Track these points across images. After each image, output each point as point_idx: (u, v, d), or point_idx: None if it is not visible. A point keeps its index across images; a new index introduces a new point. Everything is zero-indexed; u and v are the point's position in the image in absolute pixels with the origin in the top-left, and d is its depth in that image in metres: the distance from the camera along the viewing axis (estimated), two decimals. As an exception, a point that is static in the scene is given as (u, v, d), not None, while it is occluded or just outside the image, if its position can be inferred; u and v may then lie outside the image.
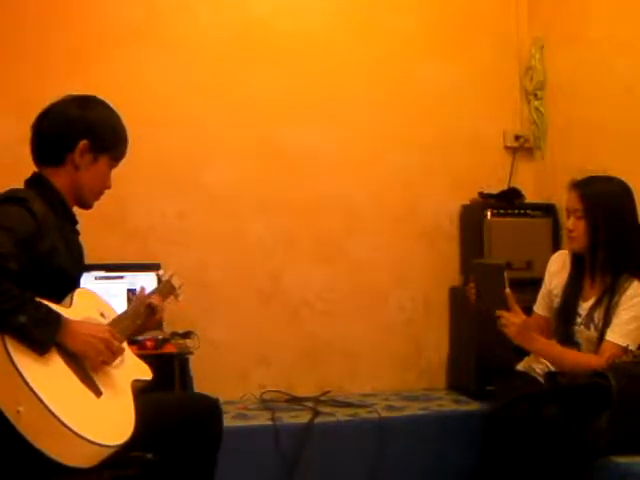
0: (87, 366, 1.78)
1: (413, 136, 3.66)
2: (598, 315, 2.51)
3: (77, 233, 2.06)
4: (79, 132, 1.95)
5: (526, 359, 2.71)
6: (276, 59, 3.50)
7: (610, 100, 3.23)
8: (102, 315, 1.98)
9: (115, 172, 2.10)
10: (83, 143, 1.95)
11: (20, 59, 3.19)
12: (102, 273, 3.05)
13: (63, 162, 1.96)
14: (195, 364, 3.03)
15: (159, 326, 2.89)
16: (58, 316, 1.73)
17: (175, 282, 2.33)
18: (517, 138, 3.77)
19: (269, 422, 2.99)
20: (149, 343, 2.79)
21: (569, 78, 3.54)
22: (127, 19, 3.34)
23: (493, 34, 3.80)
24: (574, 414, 2.30)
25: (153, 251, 3.26)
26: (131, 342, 2.12)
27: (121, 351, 1.89)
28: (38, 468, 1.62)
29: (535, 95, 3.75)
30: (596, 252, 2.52)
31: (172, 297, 2.34)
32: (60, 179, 1.97)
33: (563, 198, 2.70)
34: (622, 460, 2.26)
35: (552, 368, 2.57)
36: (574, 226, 2.55)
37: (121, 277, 3.07)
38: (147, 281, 3.00)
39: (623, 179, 2.57)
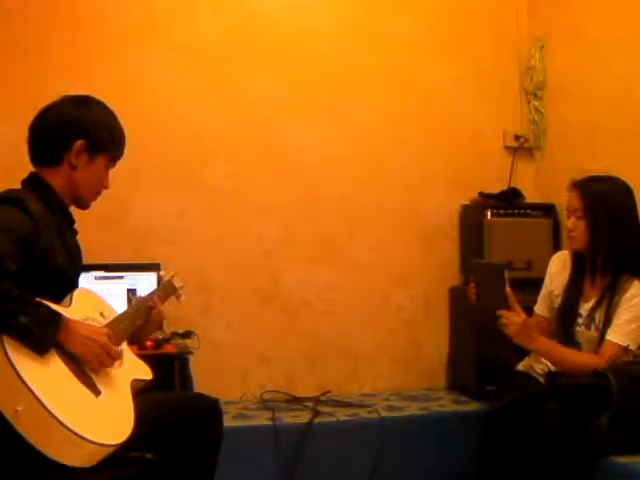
0: (86, 366, 1.78)
1: (413, 136, 3.66)
2: (599, 315, 2.51)
3: (75, 233, 2.06)
4: (75, 132, 1.95)
5: (526, 359, 2.71)
6: (276, 59, 3.50)
7: (610, 100, 3.23)
8: (102, 315, 1.98)
9: (115, 172, 2.09)
10: (79, 143, 1.95)
11: (20, 59, 3.19)
12: (102, 273, 3.04)
13: (60, 162, 1.96)
14: (195, 364, 3.03)
15: (159, 327, 2.89)
16: (58, 316, 1.72)
17: (176, 283, 2.33)
18: (517, 138, 3.77)
19: (269, 422, 2.98)
20: (149, 343, 2.79)
21: (569, 78, 3.54)
22: (127, 19, 3.34)
23: (493, 34, 3.80)
24: (574, 414, 2.30)
25: (153, 251, 3.26)
26: (131, 342, 2.12)
27: (119, 355, 1.88)
28: (37, 468, 1.62)
29: (535, 95, 3.75)
30: (596, 252, 2.52)
31: (173, 297, 2.34)
32: (57, 179, 1.96)
33: (563, 198, 2.70)
34: (623, 460, 2.27)
35: (552, 368, 2.57)
36: (574, 226, 2.55)
37: (121, 277, 3.07)
38: (147, 281, 3.01)
39: (623, 179, 2.57)
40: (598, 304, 2.52)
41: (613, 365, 2.36)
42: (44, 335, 1.67)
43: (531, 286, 2.80)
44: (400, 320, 3.65)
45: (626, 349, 2.42)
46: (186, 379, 2.95)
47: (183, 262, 3.20)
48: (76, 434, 1.60)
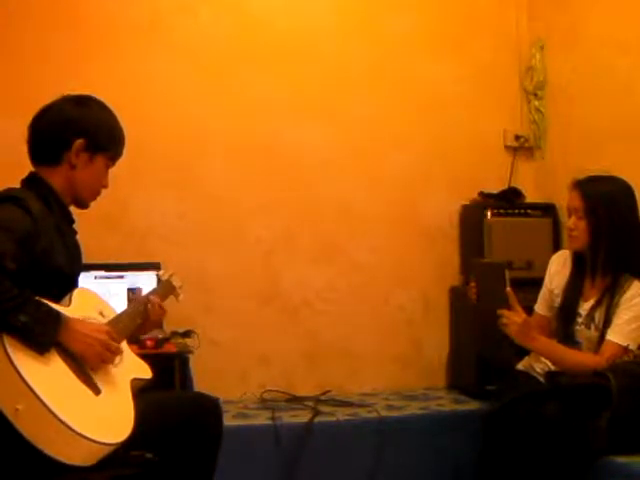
0: (86, 364, 1.78)
1: (413, 136, 3.66)
2: (599, 315, 2.51)
3: (75, 232, 2.06)
4: (75, 131, 1.95)
5: (526, 358, 2.71)
6: (276, 59, 3.50)
7: (610, 100, 3.23)
8: (101, 314, 1.98)
9: (115, 172, 2.10)
10: (79, 142, 1.95)
11: (21, 59, 3.20)
12: (102, 273, 3.05)
13: (60, 161, 1.96)
14: (195, 363, 3.03)
15: (159, 325, 2.89)
16: (58, 315, 1.73)
17: (175, 282, 2.33)
18: (517, 138, 3.77)
19: (269, 421, 2.98)
20: (149, 342, 2.79)
21: (569, 78, 3.54)
22: (127, 19, 3.34)
23: (493, 34, 3.80)
24: (574, 414, 2.30)
25: (153, 251, 3.26)
26: (131, 341, 2.12)
27: (119, 352, 1.88)
28: (37, 466, 1.62)
29: (535, 95, 3.75)
30: (597, 252, 2.52)
31: (172, 297, 2.34)
32: (57, 178, 1.97)
33: (563, 198, 2.70)
34: (622, 460, 2.26)
35: (552, 367, 2.58)
36: (575, 225, 2.55)
37: (121, 277, 3.07)
38: (147, 280, 3.01)
39: (624, 179, 2.57)
40: (598, 303, 2.52)
41: (613, 365, 2.36)
42: (44, 334, 1.67)
43: (531, 286, 2.80)
44: (400, 320, 3.65)
45: (626, 349, 2.42)
46: (186, 378, 2.95)
47: (183, 261, 3.21)
48: (76, 433, 1.60)
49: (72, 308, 1.87)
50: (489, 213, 3.46)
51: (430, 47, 3.69)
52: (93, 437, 1.63)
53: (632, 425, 2.27)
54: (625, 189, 2.56)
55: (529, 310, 2.65)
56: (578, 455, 2.28)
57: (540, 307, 2.74)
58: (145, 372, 2.03)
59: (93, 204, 2.09)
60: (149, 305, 2.13)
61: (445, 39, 3.71)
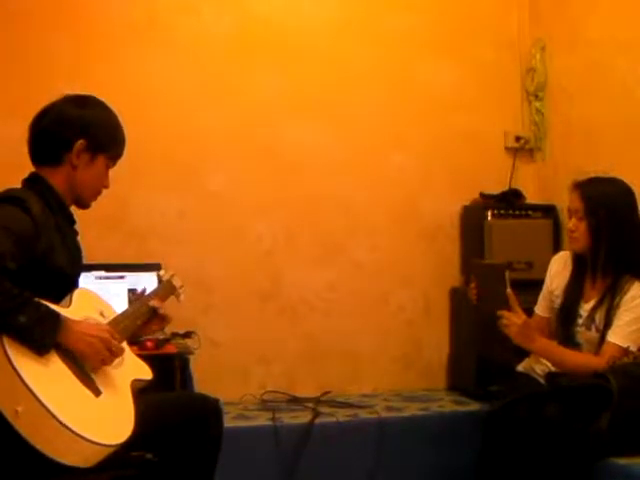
0: (86, 366, 1.78)
1: (414, 136, 3.66)
2: (599, 316, 2.51)
3: (75, 233, 2.06)
4: (76, 131, 1.95)
5: (527, 360, 2.71)
6: (277, 58, 3.50)
7: (610, 101, 3.23)
8: (102, 315, 1.98)
9: (115, 172, 2.10)
10: (80, 142, 1.95)
11: (22, 59, 3.19)
12: (102, 273, 3.04)
13: (61, 162, 1.96)
14: (195, 364, 3.03)
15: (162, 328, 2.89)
16: (58, 316, 1.72)
17: (176, 282, 2.33)
18: (518, 139, 3.77)
19: (269, 422, 2.99)
20: (149, 343, 2.79)
21: (570, 79, 3.54)
22: (129, 19, 3.34)
23: (494, 35, 3.80)
24: (575, 415, 2.30)
25: (153, 251, 3.26)
26: (131, 342, 2.12)
27: (120, 351, 1.88)
28: (37, 468, 1.62)
29: (536, 96, 3.74)
30: (597, 253, 2.52)
31: (173, 297, 2.33)
32: (58, 179, 1.97)
33: (564, 199, 2.70)
34: (622, 461, 2.26)
35: (553, 369, 2.57)
36: (575, 227, 2.55)
37: (122, 277, 3.07)
38: (147, 281, 3.01)
39: (624, 180, 2.57)
40: (598, 305, 2.52)
41: (613, 366, 2.36)
42: (44, 335, 1.67)
43: (531, 287, 2.80)
44: (400, 320, 3.65)
45: (626, 350, 2.42)
46: (186, 379, 2.95)
47: (183, 262, 3.21)
48: (76, 434, 1.60)
49: (72, 309, 1.87)
50: (490, 214, 3.47)
51: (431, 47, 3.69)
52: (93, 438, 1.63)
53: (632, 427, 2.27)
54: (625, 190, 2.56)
55: (529, 311, 2.65)
56: (578, 457, 2.27)
57: (540, 308, 2.74)
58: (145, 373, 2.03)
59: (94, 204, 2.09)
60: (161, 311, 2.13)
61: (446, 39, 3.71)
